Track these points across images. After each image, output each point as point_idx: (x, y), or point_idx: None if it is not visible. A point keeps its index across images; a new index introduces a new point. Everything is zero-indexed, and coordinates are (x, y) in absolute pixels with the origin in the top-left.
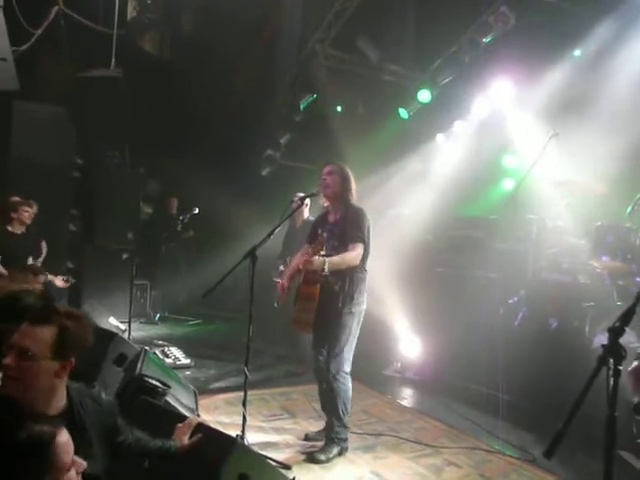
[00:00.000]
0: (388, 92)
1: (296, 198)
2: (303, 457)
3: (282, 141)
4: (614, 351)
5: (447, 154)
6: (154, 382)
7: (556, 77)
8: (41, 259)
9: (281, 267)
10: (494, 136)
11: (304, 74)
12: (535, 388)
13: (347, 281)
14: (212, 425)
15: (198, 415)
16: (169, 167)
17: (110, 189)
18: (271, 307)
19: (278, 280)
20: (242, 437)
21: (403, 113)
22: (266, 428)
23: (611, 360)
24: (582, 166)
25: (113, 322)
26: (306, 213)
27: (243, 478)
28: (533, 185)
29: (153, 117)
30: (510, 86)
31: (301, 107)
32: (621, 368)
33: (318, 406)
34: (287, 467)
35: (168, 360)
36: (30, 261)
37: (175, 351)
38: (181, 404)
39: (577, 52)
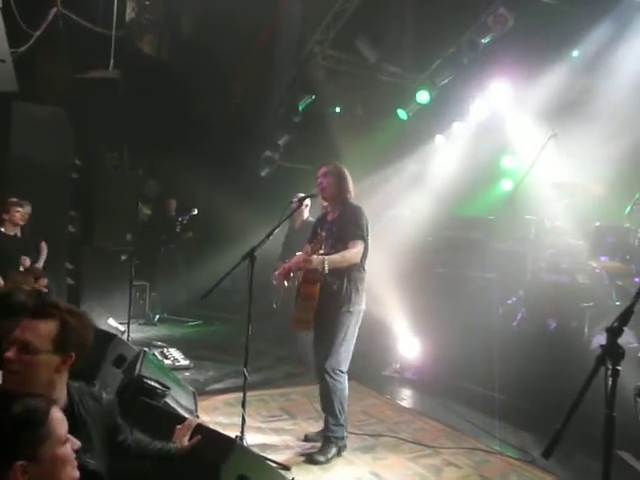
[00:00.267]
0: (387, 93)
1: (296, 199)
2: (302, 458)
3: (281, 142)
4: (612, 351)
5: (446, 155)
6: (153, 383)
7: (554, 78)
8: (42, 261)
9: None
10: (493, 137)
11: (303, 75)
12: (534, 388)
13: (345, 281)
14: (211, 426)
15: (197, 416)
16: (168, 168)
17: (109, 190)
18: (270, 308)
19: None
20: (241, 438)
21: (402, 114)
22: (265, 429)
23: (609, 360)
24: (580, 167)
25: (112, 323)
26: (306, 214)
27: (242, 479)
28: (532, 186)
29: (152, 118)
30: (509, 87)
31: (300, 108)
32: (619, 368)
33: (319, 406)
34: (286, 468)
35: (167, 361)
36: (27, 263)
37: (174, 352)
38: (180, 405)
39: (575, 53)
